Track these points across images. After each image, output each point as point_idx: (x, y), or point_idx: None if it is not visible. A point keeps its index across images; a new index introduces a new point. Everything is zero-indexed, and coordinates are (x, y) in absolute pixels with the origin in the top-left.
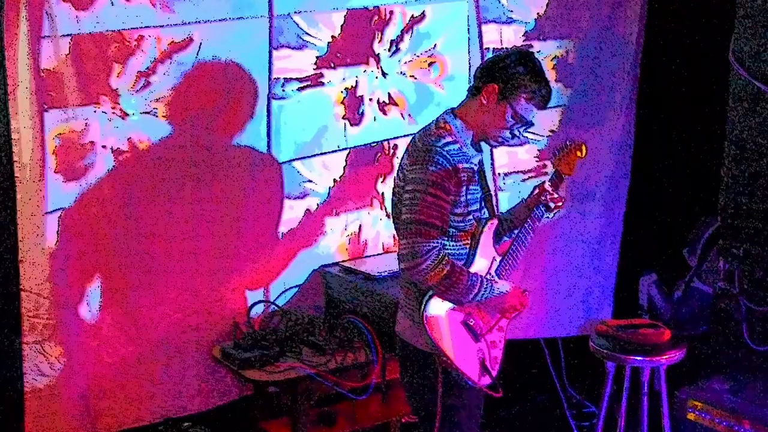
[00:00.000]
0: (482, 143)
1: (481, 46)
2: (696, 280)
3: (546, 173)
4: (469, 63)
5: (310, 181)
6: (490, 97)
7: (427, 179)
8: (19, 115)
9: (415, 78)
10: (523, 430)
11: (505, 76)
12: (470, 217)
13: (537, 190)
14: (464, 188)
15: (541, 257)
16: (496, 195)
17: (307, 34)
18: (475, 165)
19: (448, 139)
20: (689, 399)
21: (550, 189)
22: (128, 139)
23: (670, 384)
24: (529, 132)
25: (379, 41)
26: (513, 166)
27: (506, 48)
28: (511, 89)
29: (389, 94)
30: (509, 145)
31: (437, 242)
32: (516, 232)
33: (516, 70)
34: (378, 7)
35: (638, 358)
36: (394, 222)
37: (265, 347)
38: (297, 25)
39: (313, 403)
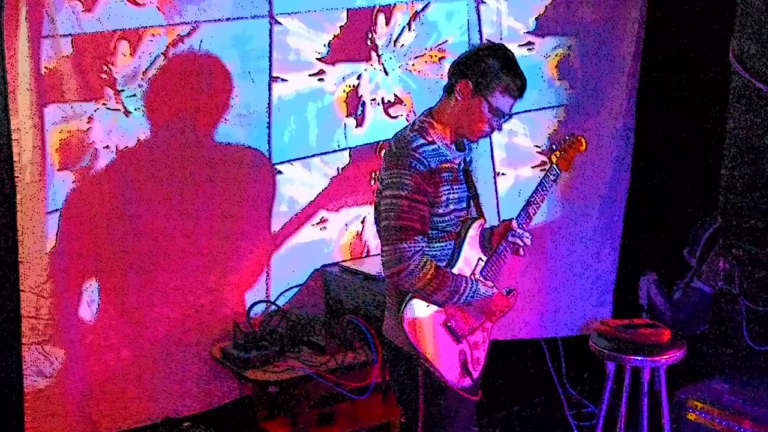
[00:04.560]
0: (465, 141)
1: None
2: (696, 280)
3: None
4: None
5: (310, 179)
6: (464, 93)
7: (402, 184)
8: (19, 114)
9: (423, 73)
10: (523, 430)
11: (477, 71)
12: (453, 216)
13: (501, 227)
14: (446, 188)
15: (541, 257)
16: (496, 198)
17: (307, 33)
18: (458, 164)
19: (424, 140)
20: (689, 399)
21: (516, 228)
22: (130, 138)
23: (670, 384)
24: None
25: (382, 38)
26: (511, 161)
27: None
28: (485, 83)
29: (394, 92)
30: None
31: (418, 246)
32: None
33: (488, 63)
34: (380, 6)
35: (638, 358)
36: (376, 227)
37: (265, 347)
38: (297, 24)
39: (313, 403)
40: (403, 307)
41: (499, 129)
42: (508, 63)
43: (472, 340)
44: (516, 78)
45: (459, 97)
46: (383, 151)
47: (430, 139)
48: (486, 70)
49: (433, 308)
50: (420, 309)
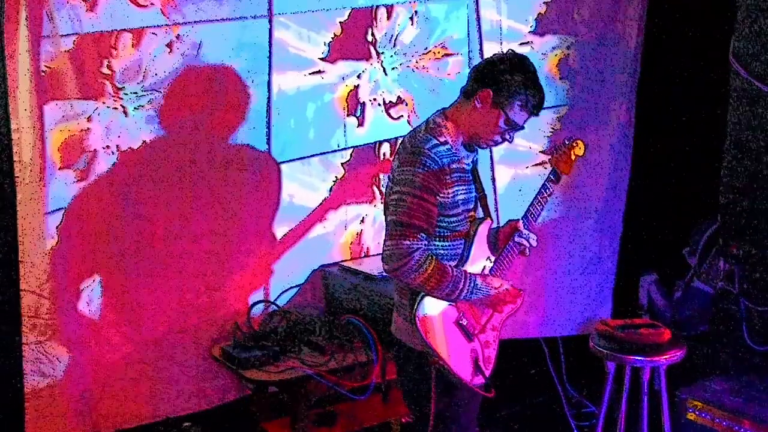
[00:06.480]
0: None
1: (480, 44)
2: (696, 280)
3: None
4: (469, 59)
5: (309, 179)
6: (484, 102)
7: (412, 181)
8: (19, 114)
9: (426, 71)
10: (523, 430)
11: (499, 83)
12: (463, 216)
13: (508, 228)
14: (456, 188)
15: (541, 257)
16: (495, 195)
17: (307, 33)
18: (468, 164)
19: (438, 140)
20: (689, 399)
21: (523, 229)
22: (130, 137)
23: (670, 384)
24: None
25: (382, 33)
26: (509, 160)
27: (505, 50)
28: (506, 96)
29: (396, 93)
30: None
31: (420, 243)
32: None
33: (511, 76)
34: (381, 5)
35: (638, 358)
36: (385, 221)
37: (265, 347)
38: (297, 24)
39: (313, 403)
40: (416, 306)
41: (510, 140)
42: (531, 79)
43: (483, 339)
44: (536, 94)
45: (478, 105)
46: (397, 147)
47: (443, 140)
48: (509, 85)
49: (446, 307)
50: (432, 308)
